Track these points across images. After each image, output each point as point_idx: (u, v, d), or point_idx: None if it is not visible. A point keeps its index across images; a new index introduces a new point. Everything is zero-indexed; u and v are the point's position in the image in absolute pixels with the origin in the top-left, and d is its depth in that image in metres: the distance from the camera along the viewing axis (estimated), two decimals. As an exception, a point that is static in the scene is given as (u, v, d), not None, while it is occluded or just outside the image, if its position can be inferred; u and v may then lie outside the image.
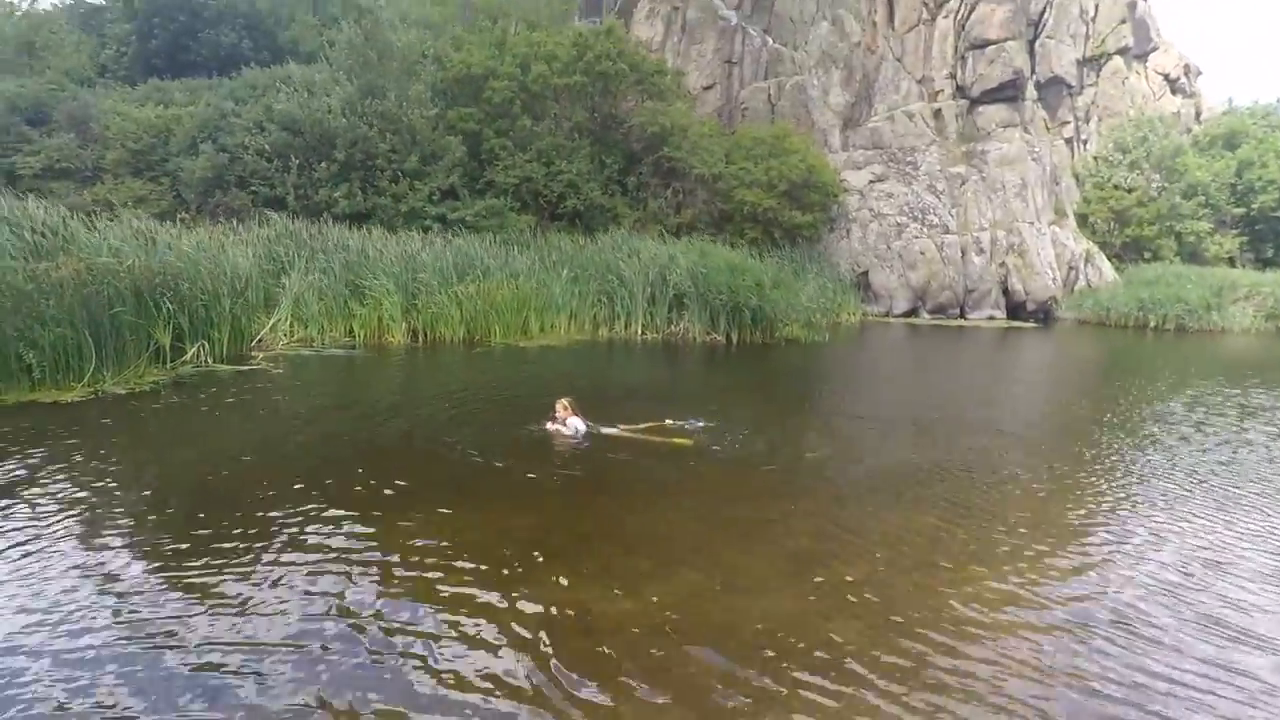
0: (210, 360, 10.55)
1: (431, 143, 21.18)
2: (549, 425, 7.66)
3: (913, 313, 26.55)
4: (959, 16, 31.00)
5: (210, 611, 3.98)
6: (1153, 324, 26.50)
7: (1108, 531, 5.73)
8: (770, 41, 30.25)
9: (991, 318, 27.39)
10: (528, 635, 3.87)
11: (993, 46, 30.43)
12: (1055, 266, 28.64)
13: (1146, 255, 32.05)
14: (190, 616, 3.92)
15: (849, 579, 4.64)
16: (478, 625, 3.96)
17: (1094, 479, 7.03)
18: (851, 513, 5.91)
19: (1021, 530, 5.60)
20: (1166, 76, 39.47)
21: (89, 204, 18.05)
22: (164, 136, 21.64)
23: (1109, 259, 31.42)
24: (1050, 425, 9.71)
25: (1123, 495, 6.62)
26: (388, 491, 5.85)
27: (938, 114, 30.95)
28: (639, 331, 16.66)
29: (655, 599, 4.29)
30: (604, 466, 6.95)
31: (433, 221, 20.22)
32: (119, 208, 17.67)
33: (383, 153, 20.43)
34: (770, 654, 3.78)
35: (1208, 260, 33.21)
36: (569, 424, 7.58)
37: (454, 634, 3.88)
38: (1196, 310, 26.44)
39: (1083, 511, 6.16)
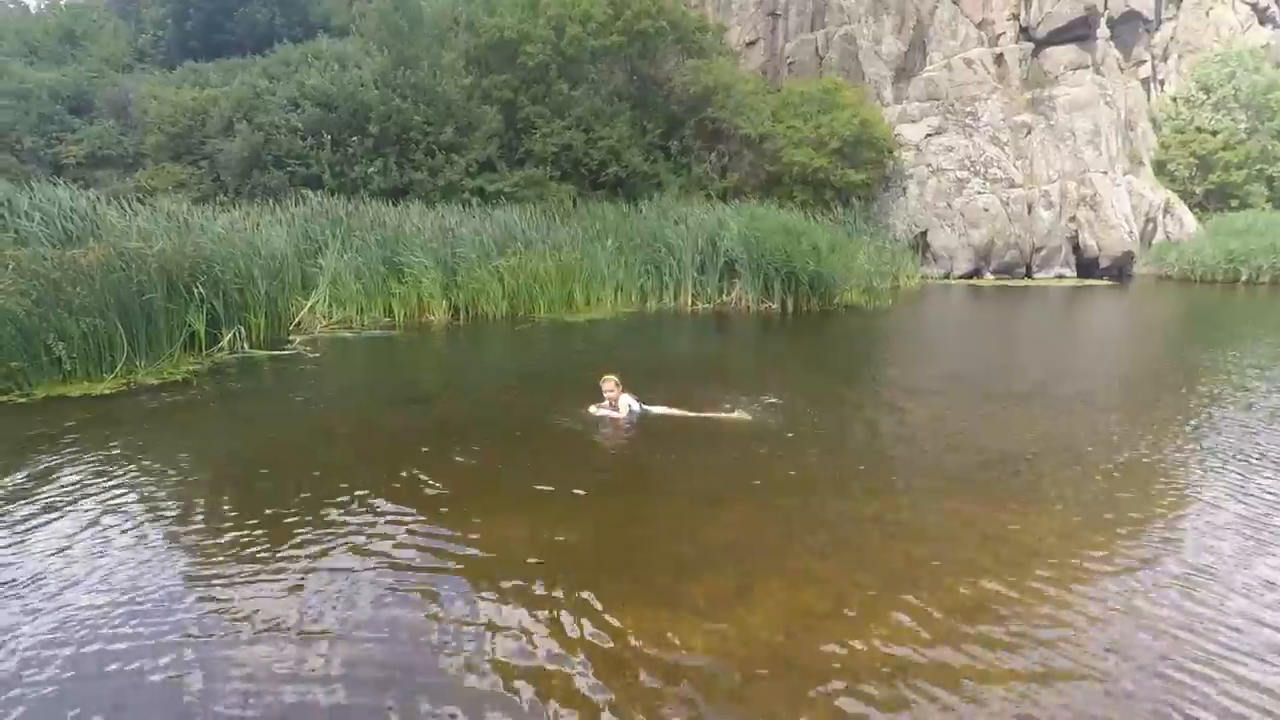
0: (247, 346, 10.18)
1: (467, 113, 20.50)
2: (596, 410, 6.97)
3: (975, 274, 25.00)
4: (1023, -50, 28.61)
5: (249, 622, 3.44)
6: (1245, 277, 24.39)
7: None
8: (816, -11, 28.45)
9: (1061, 276, 25.64)
10: (587, 674, 3.21)
11: (1062, -19, 28.02)
12: (1131, 219, 26.57)
13: (1234, 203, 29.52)
14: (228, 625, 3.38)
15: (967, 592, 3.84)
16: (527, 660, 3.31)
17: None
18: (949, 509, 5.08)
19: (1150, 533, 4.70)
20: (1255, 5, 36.01)
21: (131, 190, 18.00)
22: (201, 119, 21.46)
23: (1190, 209, 29.07)
24: (1146, 398, 8.59)
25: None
26: (428, 492, 5.27)
27: (999, 59, 28.78)
28: (689, 302, 15.83)
29: (747, 624, 3.58)
30: (657, 458, 6.25)
31: (471, 194, 19.64)
32: (158, 193, 17.56)
33: (417, 125, 19.84)
34: (912, 697, 3.04)
35: (1303, 206, 30.47)
36: (620, 404, 6.89)
37: (499, 674, 3.24)
38: (1295, 261, 24.22)
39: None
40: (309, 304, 12.47)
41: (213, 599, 3.83)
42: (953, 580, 4.04)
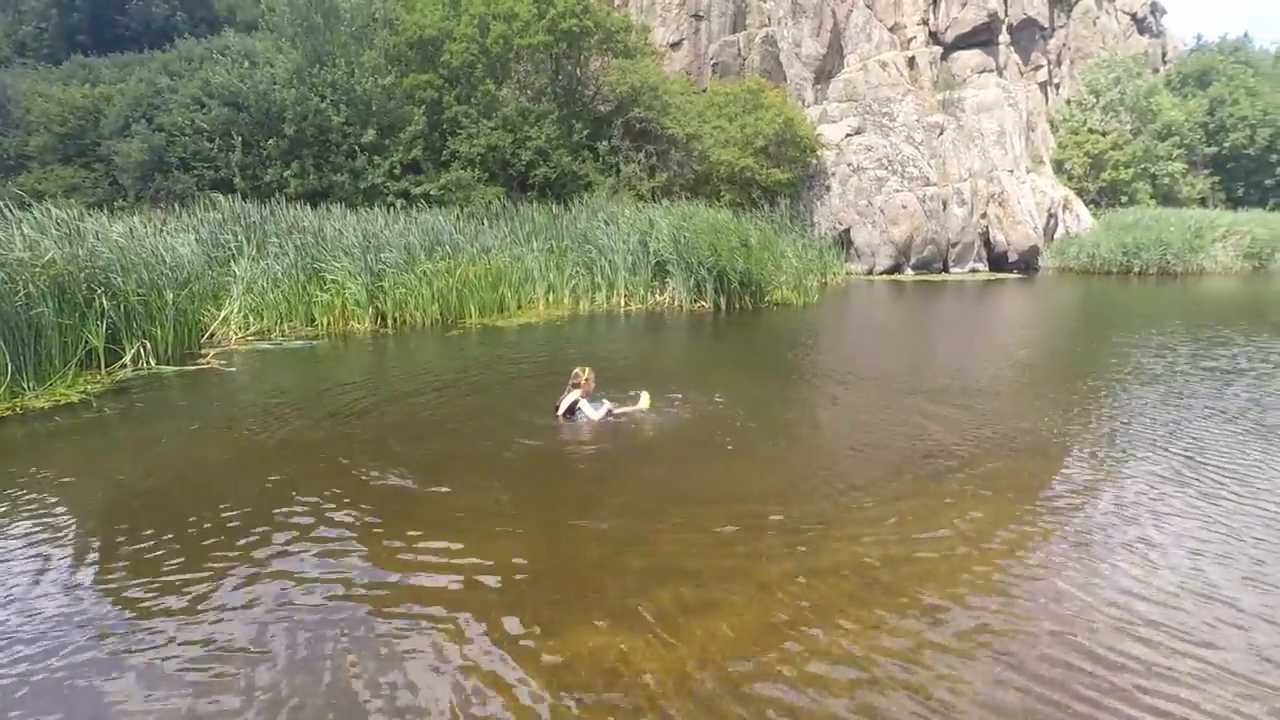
0: (153, 362, 9.47)
1: (389, 113, 19.81)
2: (567, 412, 6.80)
3: (896, 269, 25.96)
4: (930, -41, 29.95)
5: (146, 674, 3.14)
6: (1137, 269, 26.28)
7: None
8: (737, -8, 28.94)
9: (975, 271, 26.96)
10: (533, 699, 3.10)
11: (966, -11, 29.51)
12: (1035, 215, 28.21)
13: (1124, 199, 31.80)
14: (124, 670, 3.08)
15: (930, 601, 3.92)
16: (473, 687, 3.17)
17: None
18: (894, 507, 5.20)
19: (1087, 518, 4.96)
20: (1134, 16, 38.85)
21: (14, 195, 16.53)
22: (93, 118, 19.95)
23: (1086, 205, 31.11)
24: (1076, 385, 9.11)
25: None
26: (355, 513, 4.99)
27: (911, 62, 30.06)
28: (622, 303, 15.78)
29: (700, 639, 3.54)
30: (594, 469, 6.16)
31: (395, 197, 19.02)
32: (47, 198, 16.20)
33: (336, 126, 19.05)
34: (874, 704, 3.06)
35: (1182, 202, 33.13)
36: (590, 408, 6.78)
37: (439, 695, 3.09)
38: (1180, 253, 26.26)
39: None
40: (222, 315, 11.75)
41: (111, 642, 3.50)
42: (918, 585, 4.08)
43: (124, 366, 9.19)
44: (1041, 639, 3.54)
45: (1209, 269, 26.72)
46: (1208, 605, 3.84)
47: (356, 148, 19.26)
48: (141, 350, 9.48)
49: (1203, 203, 34.43)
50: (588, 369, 7.08)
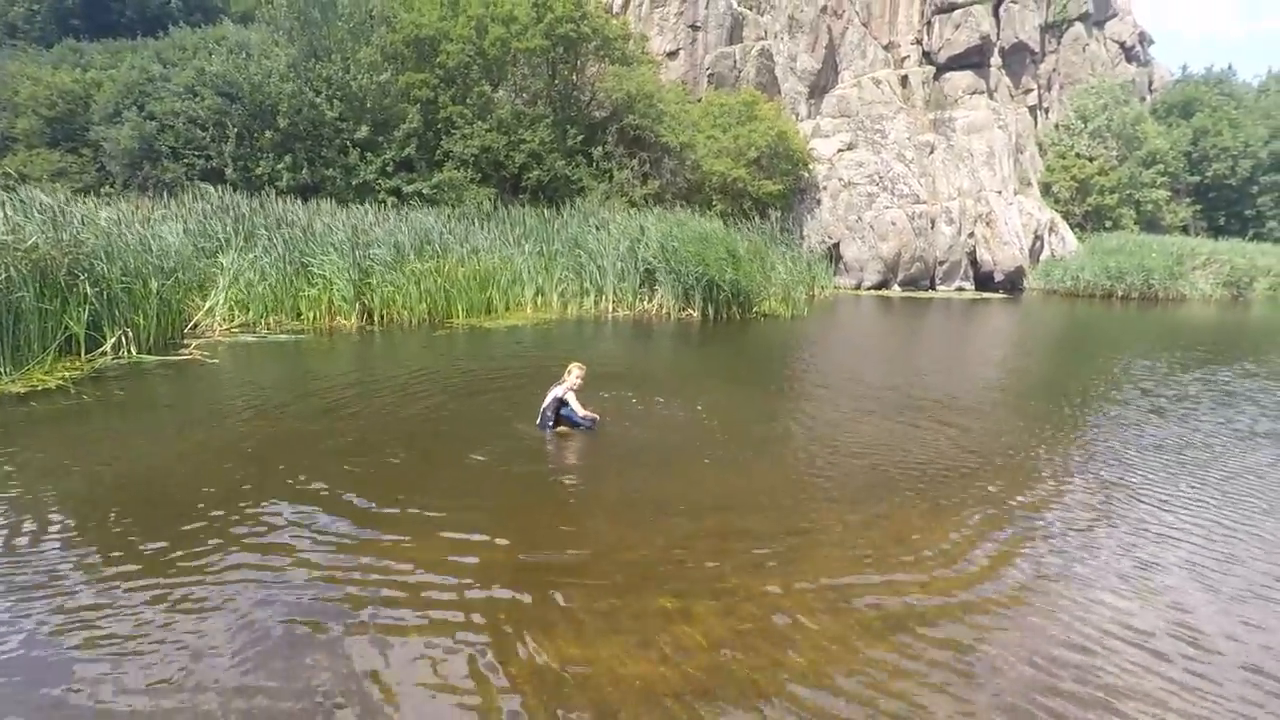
0: (134, 350, 9.39)
1: (384, 111, 19.78)
2: (554, 418, 6.80)
3: (884, 285, 26.19)
4: (926, -20, 30.38)
5: (115, 673, 3.12)
6: (1120, 293, 26.68)
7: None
8: (735, 5, 29.22)
9: (961, 289, 27.26)
10: (514, 703, 3.12)
11: (959, 10, 30.00)
12: (1022, 236, 28.58)
13: (1108, 224, 32.31)
14: (94, 667, 3.06)
15: (895, 610, 3.98)
16: (445, 686, 3.19)
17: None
18: (874, 518, 5.26)
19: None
20: (1122, 44, 39.60)
21: (0, 176, 16.34)
22: (83, 103, 19.77)
23: (1071, 228, 31.57)
24: (1041, 404, 9.25)
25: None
26: (334, 512, 4.98)
27: (904, 80, 30.46)
28: (610, 309, 15.81)
29: (681, 644, 3.57)
30: (579, 473, 6.18)
31: (386, 195, 18.98)
32: (32, 181, 16.03)
33: (330, 121, 19.00)
34: (849, 712, 3.10)
35: (1164, 228, 33.71)
36: (576, 406, 6.77)
37: (420, 706, 3.10)
38: (1161, 278, 26.70)
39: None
40: (207, 305, 11.66)
41: (80, 640, 3.48)
42: (888, 594, 4.14)
43: (104, 354, 9.10)
44: (1015, 658, 3.60)
45: (1189, 295, 27.18)
46: (1180, 622, 3.92)
47: (350, 144, 19.22)
48: (123, 338, 9.39)
49: (1184, 230, 35.06)
50: (579, 364, 7.04)
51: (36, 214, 9.27)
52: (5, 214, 8.72)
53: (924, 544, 4.75)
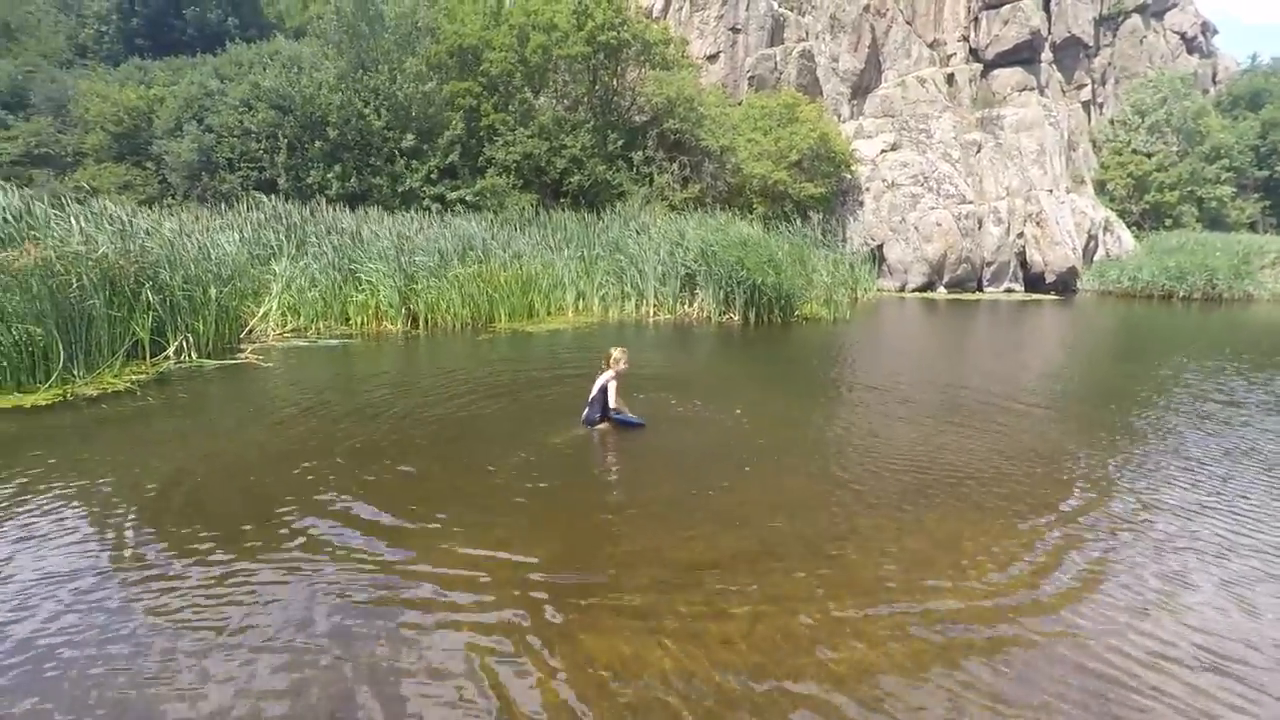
0: (195, 355, 9.80)
1: (429, 119, 20.26)
2: (601, 413, 6.85)
3: (929, 287, 25.67)
4: (972, -25, 29.70)
5: (191, 645, 3.28)
6: (1181, 294, 25.61)
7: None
8: (776, 6, 29.04)
9: (1010, 291, 26.55)
10: (556, 698, 3.16)
11: (1008, 6, 29.21)
12: (1074, 236, 27.70)
13: (1167, 222, 31.07)
14: (165, 654, 3.22)
15: (943, 620, 3.91)
16: (487, 685, 3.25)
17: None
18: (923, 525, 5.17)
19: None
20: (1183, 36, 38.04)
21: (71, 190, 17.25)
22: (147, 118, 20.73)
23: (1128, 227, 30.45)
24: (1103, 412, 8.93)
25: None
26: (386, 509, 5.12)
27: (950, 79, 29.80)
28: (650, 313, 15.86)
29: (723, 646, 3.57)
30: (623, 475, 6.21)
31: (431, 202, 19.42)
32: (101, 194, 16.86)
33: (377, 131, 19.54)
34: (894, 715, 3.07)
35: (1229, 226, 32.25)
36: (613, 407, 6.83)
37: (468, 701, 3.17)
38: (1226, 278, 25.52)
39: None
40: (262, 311, 12.10)
41: (152, 625, 3.65)
42: (927, 595, 4.09)
43: (167, 358, 9.52)
44: (1059, 670, 3.50)
45: (1257, 296, 25.91)
46: (1231, 641, 3.76)
47: (396, 152, 19.72)
48: (184, 343, 9.82)
49: (1251, 227, 33.47)
50: (623, 350, 7.05)
51: (107, 225, 9.74)
52: (80, 225, 9.19)
53: (967, 553, 4.64)
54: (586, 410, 6.94)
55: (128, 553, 4.41)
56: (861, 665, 3.46)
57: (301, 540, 4.58)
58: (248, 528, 4.75)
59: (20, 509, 4.95)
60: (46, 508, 4.99)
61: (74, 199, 10.76)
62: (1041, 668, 3.50)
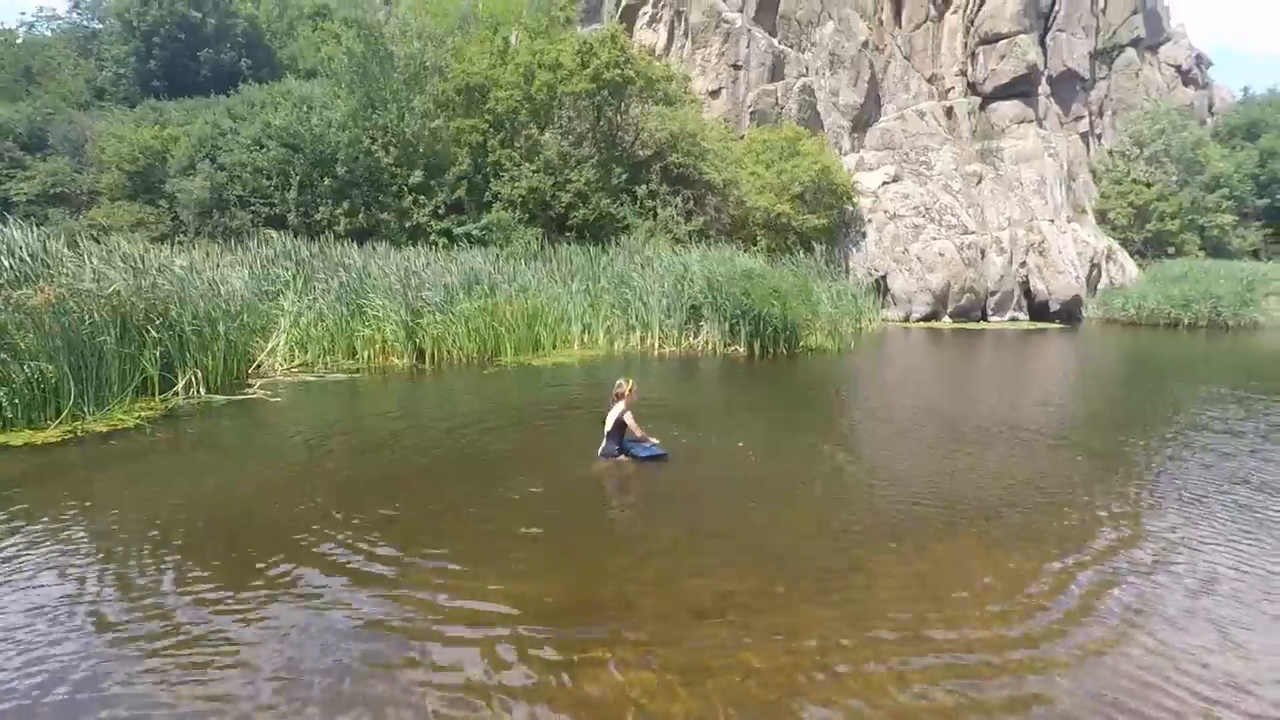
0: (204, 390, 9.87)
1: (436, 155, 20.63)
2: (618, 447, 6.87)
3: (933, 316, 25.72)
4: (968, 11, 30.37)
5: (194, 686, 3.25)
6: (1187, 321, 25.58)
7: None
8: (776, 43, 29.65)
9: (1015, 319, 26.58)
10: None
11: (1004, 41, 29.77)
12: (1077, 264, 27.80)
13: (1170, 250, 31.17)
14: (169, 695, 3.19)
15: (952, 651, 3.85)
16: (494, 715, 3.21)
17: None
18: (935, 555, 5.13)
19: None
20: (1178, 68, 38.59)
21: (85, 229, 17.57)
22: (161, 157, 21.18)
23: (1131, 255, 30.56)
24: (1110, 441, 8.88)
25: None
26: (396, 544, 5.11)
27: (949, 112, 30.27)
28: (656, 345, 15.91)
29: (739, 679, 3.52)
30: (633, 508, 6.19)
31: (438, 236, 19.67)
32: (115, 231, 17.15)
33: (385, 167, 19.89)
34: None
35: (1232, 254, 32.33)
36: (638, 443, 6.84)
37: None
38: (1231, 305, 25.50)
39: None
40: (269, 346, 12.19)
41: (157, 666, 3.63)
42: (938, 628, 4.05)
43: (176, 394, 9.59)
44: (1072, 701, 3.43)
45: (1262, 323, 25.85)
46: (1248, 664, 3.69)
47: (404, 188, 20.05)
48: (193, 379, 9.89)
49: (1255, 255, 33.55)
50: (630, 380, 7.11)
51: (119, 262, 9.89)
52: (92, 264, 9.33)
53: (973, 584, 4.59)
54: (604, 443, 6.96)
55: (125, 588, 4.39)
56: (876, 700, 3.40)
57: (309, 575, 4.56)
58: (257, 565, 4.73)
59: (20, 544, 4.95)
60: (48, 544, 4.99)
61: (88, 236, 10.97)
62: (1060, 698, 3.44)
